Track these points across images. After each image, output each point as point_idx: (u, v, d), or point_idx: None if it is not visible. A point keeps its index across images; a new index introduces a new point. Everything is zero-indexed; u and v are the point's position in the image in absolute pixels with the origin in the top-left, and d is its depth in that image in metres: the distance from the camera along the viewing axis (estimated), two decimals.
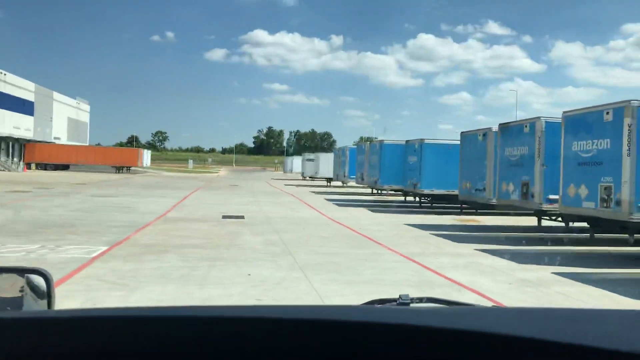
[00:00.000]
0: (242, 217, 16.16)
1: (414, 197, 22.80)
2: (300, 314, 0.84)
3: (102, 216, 14.73)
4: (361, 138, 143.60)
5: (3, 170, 46.75)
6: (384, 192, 28.06)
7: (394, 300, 1.17)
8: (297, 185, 41.52)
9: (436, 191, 19.31)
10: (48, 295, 1.19)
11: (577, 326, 0.81)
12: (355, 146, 31.40)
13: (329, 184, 44.01)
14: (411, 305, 1.13)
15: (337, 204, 22.46)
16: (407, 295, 1.15)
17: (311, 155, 48.28)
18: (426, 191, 19.39)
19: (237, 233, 12.27)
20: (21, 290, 1.20)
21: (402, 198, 25.46)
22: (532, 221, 14.12)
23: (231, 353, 0.80)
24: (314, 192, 32.26)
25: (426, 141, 19.33)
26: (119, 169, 57.02)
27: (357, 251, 10.20)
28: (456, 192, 19.13)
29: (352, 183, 35.86)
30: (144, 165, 61.46)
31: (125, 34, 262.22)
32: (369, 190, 32.62)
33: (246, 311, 0.86)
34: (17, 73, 54.82)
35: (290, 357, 0.78)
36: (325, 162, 42.73)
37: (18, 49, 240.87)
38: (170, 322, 0.82)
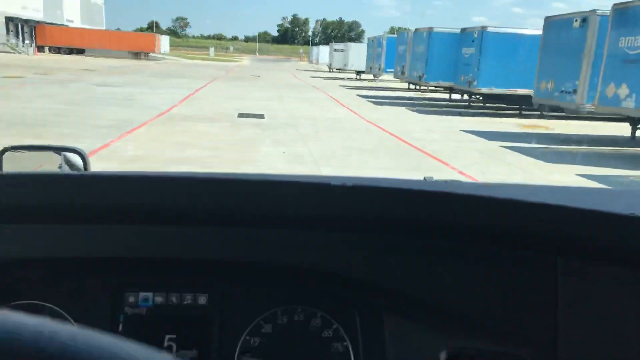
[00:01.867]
0: (262, 116, 13.35)
1: (462, 95, 19.49)
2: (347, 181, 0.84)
3: (91, 111, 12.09)
4: (392, 29, 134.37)
5: (12, 53, 43.92)
6: (423, 88, 24.64)
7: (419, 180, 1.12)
8: (325, 78, 37.92)
9: (495, 90, 15.94)
10: (85, 170, 1.25)
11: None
12: (395, 35, 27.16)
13: (358, 77, 40.18)
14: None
15: (372, 102, 19.34)
16: (432, 177, 1.15)
17: (340, 45, 43.68)
18: (484, 90, 16.02)
19: (253, 141, 9.56)
20: (59, 167, 1.26)
21: (445, 95, 22.13)
22: (611, 129, 11.04)
23: (302, 215, 0.83)
24: (343, 86, 28.89)
25: (489, 29, 15.51)
26: (136, 55, 53.65)
27: (417, 174, 7.42)
28: (519, 91, 15.83)
29: (385, 77, 32.20)
30: (162, 51, 57.78)
31: None
32: (403, 85, 29.07)
33: (302, 178, 0.86)
34: None
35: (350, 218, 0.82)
36: (356, 53, 38.56)
37: None
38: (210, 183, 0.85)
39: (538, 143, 11.06)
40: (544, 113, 15.68)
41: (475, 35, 15.86)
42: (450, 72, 17.62)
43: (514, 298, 0.81)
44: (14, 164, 1.20)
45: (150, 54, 55.94)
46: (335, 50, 43.10)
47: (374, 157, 8.73)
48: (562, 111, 13.10)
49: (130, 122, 10.75)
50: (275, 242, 0.85)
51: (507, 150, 10.05)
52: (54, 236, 0.84)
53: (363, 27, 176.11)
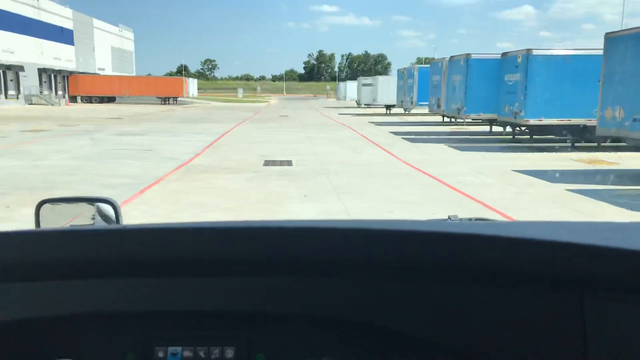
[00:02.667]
0: (290, 162, 12.19)
1: (504, 128, 17.97)
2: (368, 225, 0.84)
3: (106, 166, 11.16)
4: (418, 59, 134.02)
5: (46, 105, 44.74)
6: (459, 121, 23.22)
7: (443, 220, 1.15)
8: (354, 115, 36.95)
9: (545, 121, 14.43)
10: (117, 221, 1.25)
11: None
12: (427, 65, 25.87)
13: (388, 111, 39.08)
14: None
15: (407, 139, 18.02)
16: (456, 216, 1.15)
17: (368, 79, 42.74)
18: (532, 121, 14.51)
19: (279, 196, 8.33)
20: (92, 218, 1.29)
21: (485, 128, 20.68)
22: None
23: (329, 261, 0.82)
24: (374, 122, 27.73)
25: (535, 52, 14.06)
26: (164, 100, 54.13)
27: None
28: (573, 121, 14.26)
29: (417, 110, 30.92)
30: (190, 95, 58.30)
31: None
32: (437, 119, 27.74)
33: (315, 224, 0.86)
34: None
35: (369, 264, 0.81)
36: (385, 87, 37.56)
37: None
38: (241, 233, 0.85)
39: (613, 184, 9.49)
40: (602, 144, 14.08)
41: (519, 60, 14.44)
42: (492, 102, 16.21)
43: (542, 342, 0.79)
44: (50, 217, 1.25)
45: (179, 98, 56.43)
46: (364, 84, 42.21)
47: (423, 212, 7.35)
48: (631, 142, 11.49)
49: (146, 177, 9.73)
50: (302, 291, 0.85)
51: (578, 195, 8.51)
52: (81, 291, 0.84)
53: (389, 59, 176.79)
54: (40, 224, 1.26)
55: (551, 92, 13.92)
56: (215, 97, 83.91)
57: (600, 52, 11.98)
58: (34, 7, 47.00)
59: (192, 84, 59.02)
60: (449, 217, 1.15)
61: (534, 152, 14.66)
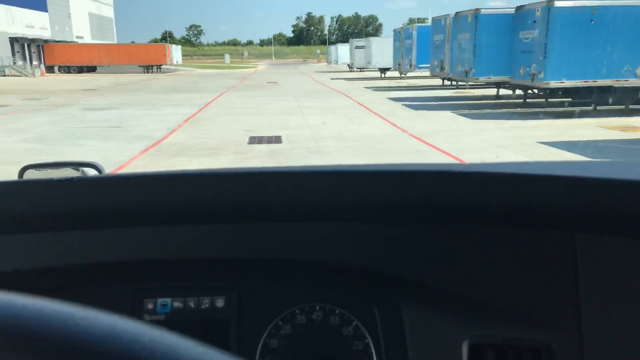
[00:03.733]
0: (279, 139, 10.54)
1: (513, 91, 16.27)
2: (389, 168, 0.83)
3: (60, 149, 9.45)
4: (410, 20, 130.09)
5: (19, 76, 42.22)
6: (460, 85, 21.42)
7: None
8: (347, 80, 34.94)
9: (568, 83, 12.73)
10: None
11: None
12: (427, 24, 23.75)
13: (383, 75, 37.04)
14: None
15: (409, 106, 16.31)
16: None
17: (361, 42, 40.34)
18: (553, 83, 12.79)
19: None
20: None
21: (489, 91, 18.96)
22: None
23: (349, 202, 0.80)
24: (370, 87, 25.86)
25: (557, 3, 12.17)
26: (147, 69, 51.54)
27: None
28: (598, 83, 12.61)
29: (414, 74, 28.97)
30: (175, 62, 55.63)
31: None
32: (435, 82, 25.88)
33: (333, 169, 0.85)
34: None
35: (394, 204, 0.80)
36: (379, 49, 35.40)
37: None
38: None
39: None
40: (629, 107, 12.50)
41: (538, 13, 12.57)
42: (504, 63, 14.43)
43: (535, 280, 0.79)
44: None
45: (163, 66, 53.83)
46: (356, 47, 39.88)
47: None
48: None
49: (104, 162, 8.02)
50: (290, 237, 0.83)
51: None
52: (68, 243, 0.82)
53: (380, 20, 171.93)
54: None
55: (575, 50, 12.17)
56: (202, 64, 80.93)
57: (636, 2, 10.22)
58: None
59: (175, 51, 56.24)
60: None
61: (552, 118, 13.03)
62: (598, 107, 13.39)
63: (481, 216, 0.79)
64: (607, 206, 0.73)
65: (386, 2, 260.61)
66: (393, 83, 29.59)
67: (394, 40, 27.70)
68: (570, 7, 12.01)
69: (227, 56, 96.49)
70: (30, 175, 1.22)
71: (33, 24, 48.96)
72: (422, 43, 23.18)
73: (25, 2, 47.52)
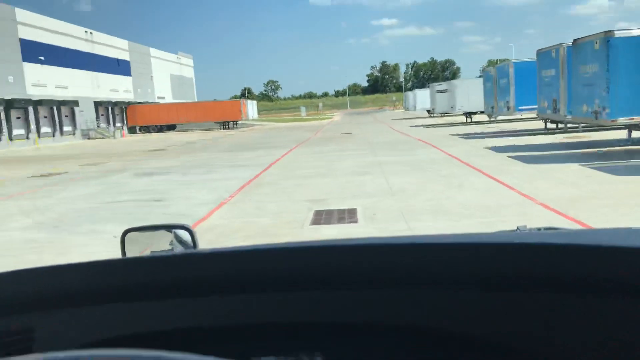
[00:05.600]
0: (354, 214, 7.76)
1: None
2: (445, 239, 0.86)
3: (68, 241, 7.19)
4: (489, 62, 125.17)
5: (102, 138, 43.25)
6: (570, 127, 17.71)
7: (513, 231, 1.15)
8: (428, 126, 31.93)
9: None
10: (194, 245, 1.35)
11: None
12: (528, 59, 20.09)
13: (470, 120, 33.62)
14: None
15: (517, 158, 12.99)
16: (525, 226, 1.13)
17: (443, 85, 37.20)
18: None
19: None
20: (170, 244, 1.40)
21: (609, 134, 15.19)
22: None
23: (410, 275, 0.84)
24: (457, 135, 22.66)
25: None
26: (223, 125, 51.55)
27: None
28: None
29: (504, 117, 25.37)
30: (250, 117, 55.48)
31: None
32: (532, 125, 22.16)
33: (405, 239, 0.88)
34: (109, 32, 50.73)
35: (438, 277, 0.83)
36: (464, 92, 32.17)
37: (109, 8, 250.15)
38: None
39: None
40: None
41: None
42: None
43: (614, 348, 0.77)
44: (133, 244, 1.38)
45: (239, 122, 53.74)
46: (438, 91, 36.83)
47: None
48: None
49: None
50: (383, 303, 0.87)
51: None
52: (175, 311, 0.88)
53: (457, 64, 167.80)
54: (126, 250, 1.37)
55: None
56: (277, 118, 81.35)
57: None
58: (87, 40, 46.07)
59: (251, 106, 56.19)
60: (517, 228, 1.13)
61: None
62: None
63: (560, 286, 0.78)
64: None
65: (460, 47, 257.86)
66: (483, 128, 26.14)
67: (485, 80, 24.39)
68: None
69: (303, 108, 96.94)
70: (130, 238, 1.37)
71: (117, 87, 50.86)
72: (521, 81, 19.76)
73: (110, 68, 49.61)
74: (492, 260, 0.81)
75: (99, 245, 6.78)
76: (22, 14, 37.44)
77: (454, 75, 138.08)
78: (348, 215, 7.78)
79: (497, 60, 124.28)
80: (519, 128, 24.19)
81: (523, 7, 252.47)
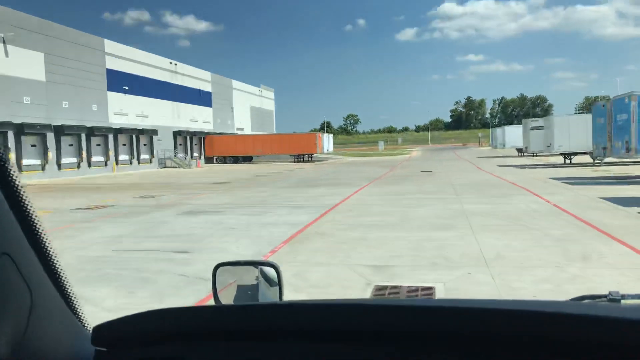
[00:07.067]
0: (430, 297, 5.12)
1: None
2: (509, 305, 0.85)
3: None
4: (587, 99, 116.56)
5: (176, 167, 43.43)
6: None
7: (604, 296, 1.13)
8: (520, 167, 28.41)
9: None
10: (279, 282, 1.39)
11: None
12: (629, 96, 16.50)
13: (569, 161, 29.58)
14: (622, 302, 1.09)
15: None
16: (618, 292, 1.10)
17: (539, 121, 33.27)
18: None
19: None
20: (256, 279, 1.46)
21: None
22: None
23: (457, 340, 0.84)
24: (558, 179, 19.27)
25: None
26: (298, 157, 50.44)
27: None
28: None
29: (612, 160, 21.50)
30: (325, 150, 53.99)
31: (318, 27, 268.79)
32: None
33: (451, 302, 0.89)
34: (196, 65, 51.85)
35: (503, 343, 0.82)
36: (564, 129, 28.34)
37: (204, 44, 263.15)
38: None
39: None
40: None
41: None
42: None
43: None
44: (223, 278, 1.45)
45: (314, 155, 52.45)
46: (532, 128, 33.04)
47: None
48: None
49: None
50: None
51: None
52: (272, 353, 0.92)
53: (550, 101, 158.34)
54: (217, 283, 1.44)
55: None
56: (354, 152, 79.59)
57: None
58: (171, 71, 47.11)
59: (326, 140, 54.76)
60: (609, 293, 1.10)
61: None
62: None
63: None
64: None
65: (552, 83, 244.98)
66: (588, 172, 22.37)
67: (595, 116, 20.79)
68: None
69: (381, 143, 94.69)
70: (220, 272, 1.46)
71: (197, 118, 51.51)
72: None
73: (192, 98, 50.42)
74: (577, 330, 0.78)
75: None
76: (110, 45, 38.71)
77: (546, 112, 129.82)
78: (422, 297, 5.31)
79: (595, 97, 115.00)
80: (631, 173, 20.30)
81: (622, 43, 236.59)
